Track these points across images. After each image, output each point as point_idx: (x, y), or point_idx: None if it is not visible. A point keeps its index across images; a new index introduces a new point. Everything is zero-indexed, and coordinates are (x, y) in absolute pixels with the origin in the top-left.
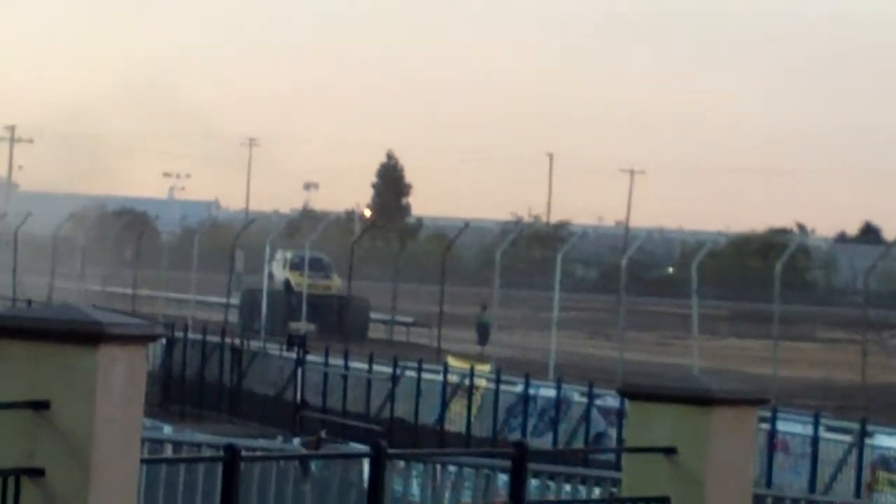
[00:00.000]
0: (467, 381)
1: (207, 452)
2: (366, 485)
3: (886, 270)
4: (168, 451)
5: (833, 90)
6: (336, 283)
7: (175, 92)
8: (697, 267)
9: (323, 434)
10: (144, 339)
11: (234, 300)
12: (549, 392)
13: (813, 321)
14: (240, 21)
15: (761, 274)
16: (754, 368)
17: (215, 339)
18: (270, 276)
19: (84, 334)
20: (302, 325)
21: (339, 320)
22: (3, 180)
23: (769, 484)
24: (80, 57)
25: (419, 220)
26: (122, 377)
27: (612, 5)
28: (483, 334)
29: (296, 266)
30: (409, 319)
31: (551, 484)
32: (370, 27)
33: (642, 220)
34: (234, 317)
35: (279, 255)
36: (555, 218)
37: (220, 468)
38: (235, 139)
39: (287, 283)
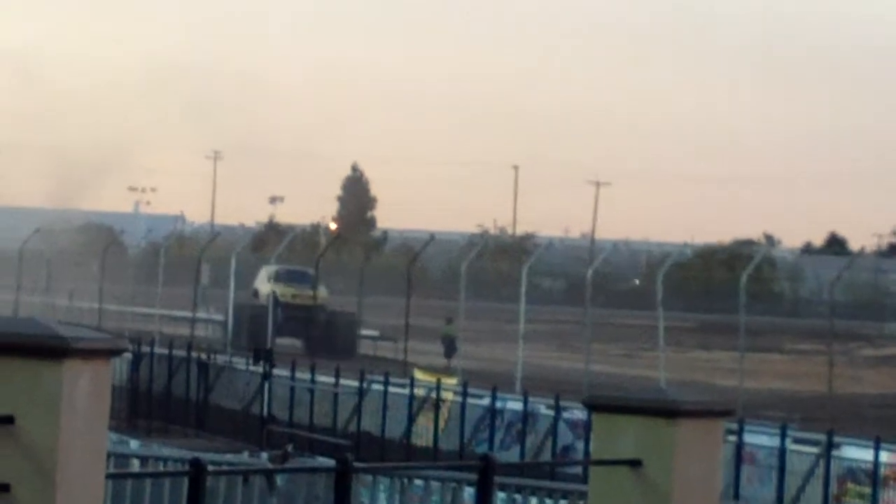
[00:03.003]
0: (434, 395)
1: (173, 467)
2: (332, 498)
3: (852, 281)
4: (135, 466)
5: (800, 100)
6: (322, 294)
7: (138, 102)
8: (663, 278)
9: (289, 448)
10: (109, 353)
11: (218, 315)
12: (516, 405)
13: (779, 332)
14: (202, 29)
15: (727, 285)
16: (721, 380)
17: (182, 353)
18: (255, 293)
19: (48, 349)
20: (286, 340)
21: (326, 336)
22: None
23: (736, 496)
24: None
25: (384, 233)
26: (86, 391)
27: (578, 16)
28: (449, 347)
29: (280, 278)
30: (374, 333)
31: (518, 497)
32: (333, 37)
33: (608, 231)
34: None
35: (263, 271)
36: (520, 230)
37: (186, 483)
38: (201, 152)
39: (273, 296)
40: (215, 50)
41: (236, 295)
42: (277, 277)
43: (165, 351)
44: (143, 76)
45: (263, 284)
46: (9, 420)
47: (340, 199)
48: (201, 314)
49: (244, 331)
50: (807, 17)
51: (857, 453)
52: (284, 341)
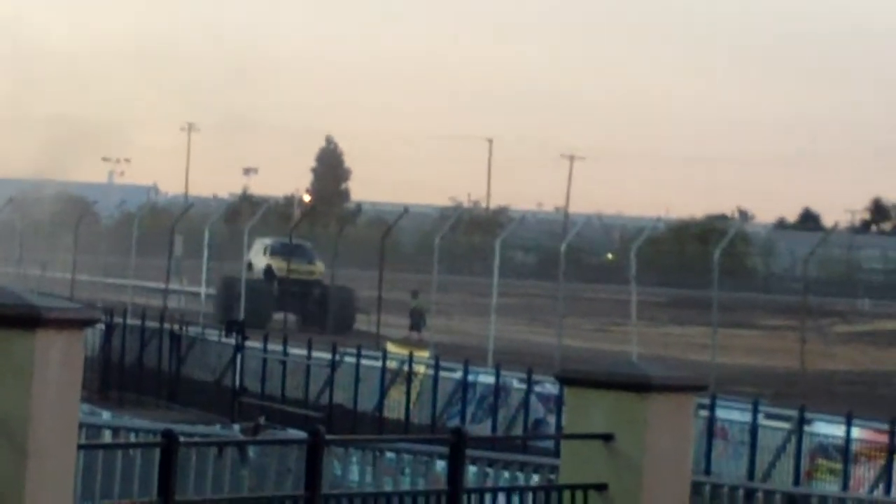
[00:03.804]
0: (406, 368)
1: (145, 438)
2: (304, 470)
3: (825, 257)
4: (106, 437)
5: (773, 77)
6: (319, 268)
7: (112, 77)
8: (636, 253)
9: (261, 420)
10: (81, 323)
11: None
12: (488, 379)
13: (752, 308)
14: (183, 4)
15: (700, 260)
16: (693, 355)
17: (154, 324)
18: (249, 265)
19: (21, 318)
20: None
21: (323, 311)
22: None
23: (708, 471)
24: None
25: (358, 205)
26: (59, 362)
27: None
28: (416, 321)
29: (277, 252)
30: None
31: (490, 471)
32: (309, 10)
33: (582, 205)
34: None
35: (257, 243)
36: (494, 203)
37: (157, 454)
38: (176, 125)
39: (269, 270)
40: (194, 25)
41: (215, 267)
42: (273, 251)
43: (138, 322)
44: (124, 49)
45: (258, 258)
46: None
47: (314, 171)
48: (174, 285)
49: (236, 305)
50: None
51: (828, 429)
52: (280, 316)
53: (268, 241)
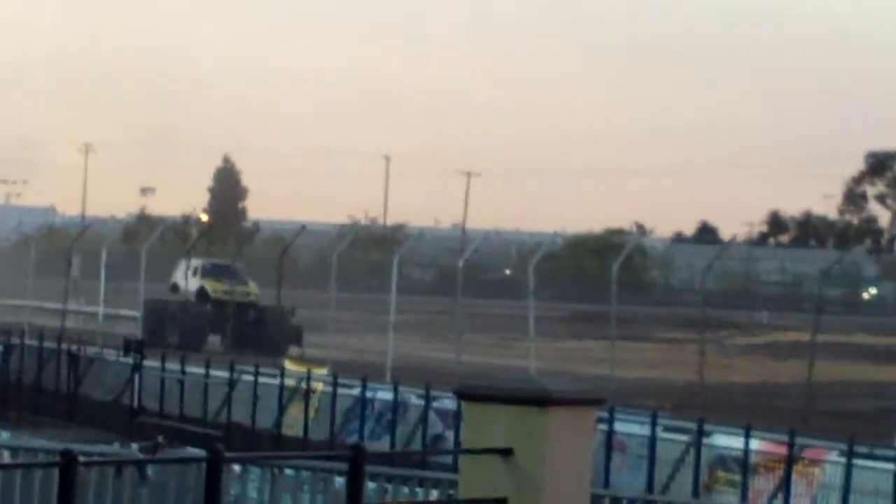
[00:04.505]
0: (304, 385)
1: (44, 458)
2: (203, 488)
3: (723, 270)
4: (5, 457)
5: (671, 92)
6: (254, 289)
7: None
8: (534, 268)
9: (160, 439)
10: None
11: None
12: (386, 395)
13: (651, 321)
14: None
15: (598, 274)
16: (592, 369)
17: (52, 344)
18: (175, 287)
19: None
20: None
21: (258, 333)
22: None
23: (607, 484)
24: None
25: (256, 224)
26: None
27: (451, 7)
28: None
29: (209, 273)
30: None
31: (389, 486)
32: (205, 26)
33: (479, 221)
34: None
35: (182, 264)
36: (391, 220)
37: (57, 474)
38: (72, 145)
39: (202, 292)
40: (94, 40)
41: (127, 289)
42: (206, 273)
43: (36, 343)
44: (25, 65)
45: (187, 279)
46: None
47: (212, 190)
48: (72, 306)
49: (165, 327)
50: (679, 7)
51: (727, 441)
52: (214, 339)
53: (197, 261)
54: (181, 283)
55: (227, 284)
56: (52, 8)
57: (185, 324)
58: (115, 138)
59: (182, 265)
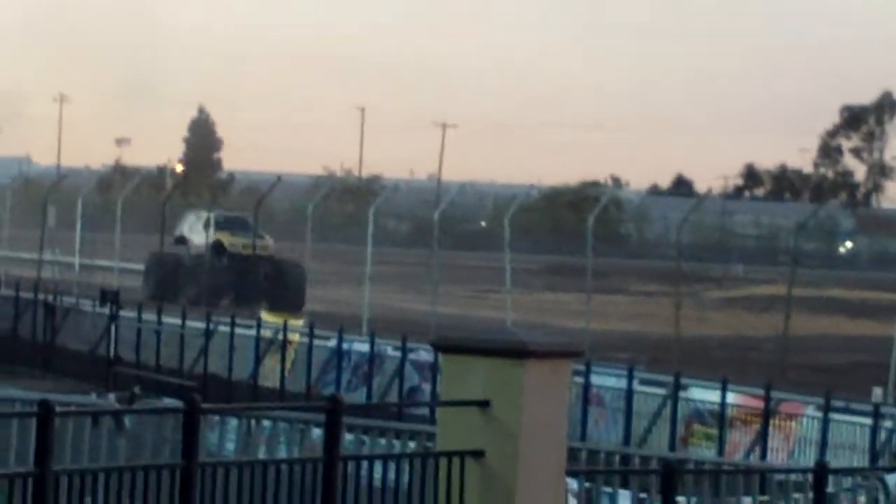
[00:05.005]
0: (281, 337)
1: (21, 408)
2: (180, 439)
3: (698, 223)
4: None
5: (645, 46)
6: (270, 243)
7: None
8: (510, 220)
9: (137, 390)
10: None
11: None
12: (362, 347)
13: (626, 274)
14: None
15: (574, 227)
16: (568, 322)
17: (28, 295)
18: (181, 239)
19: None
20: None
21: (275, 288)
22: None
23: (583, 437)
24: None
25: (231, 175)
26: None
27: None
28: None
29: (223, 226)
30: None
31: (366, 438)
32: None
33: (455, 173)
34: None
35: (191, 216)
36: (367, 172)
37: (34, 424)
38: (47, 96)
39: (218, 245)
40: None
41: (84, 238)
42: (219, 225)
43: (12, 293)
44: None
45: (197, 232)
46: None
47: (187, 140)
48: (48, 256)
49: (174, 282)
50: None
51: (703, 394)
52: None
53: (207, 213)
54: (191, 236)
55: (244, 237)
56: None
57: (204, 279)
58: (91, 90)
59: (190, 217)
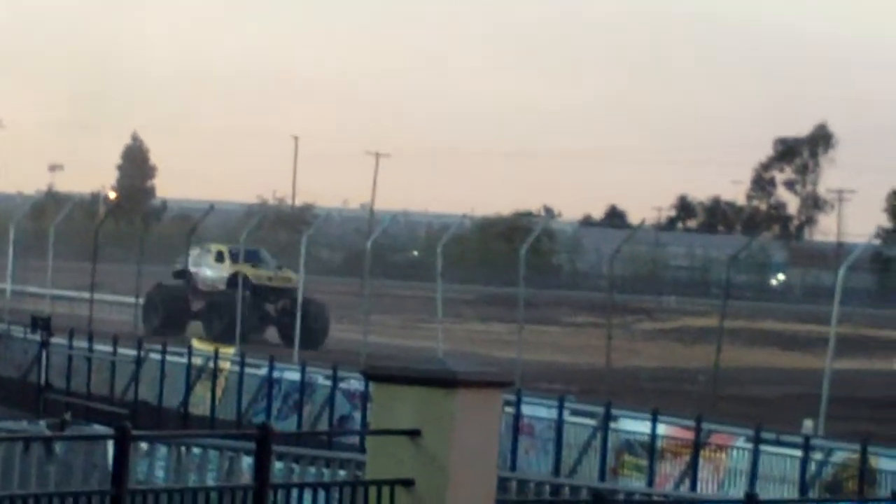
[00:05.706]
0: (212, 364)
1: None
2: (110, 466)
3: (631, 254)
4: None
5: (578, 76)
6: (293, 275)
7: None
8: (442, 250)
9: (67, 417)
10: None
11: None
12: (293, 375)
13: (558, 305)
14: None
15: (506, 257)
16: (499, 352)
17: None
18: (182, 273)
19: None
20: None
21: (301, 324)
22: None
23: (514, 467)
24: None
25: (164, 202)
26: None
27: None
28: None
29: (238, 258)
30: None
31: (296, 467)
32: (111, 8)
33: (388, 202)
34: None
35: (196, 249)
36: (300, 200)
37: None
38: None
39: (236, 278)
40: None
41: (16, 265)
42: (236, 258)
43: None
44: None
45: (210, 265)
46: None
47: (120, 167)
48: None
49: (213, 317)
50: None
51: (633, 425)
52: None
53: (218, 246)
54: (199, 269)
55: (265, 269)
56: None
57: (236, 315)
58: (25, 115)
59: (195, 250)
